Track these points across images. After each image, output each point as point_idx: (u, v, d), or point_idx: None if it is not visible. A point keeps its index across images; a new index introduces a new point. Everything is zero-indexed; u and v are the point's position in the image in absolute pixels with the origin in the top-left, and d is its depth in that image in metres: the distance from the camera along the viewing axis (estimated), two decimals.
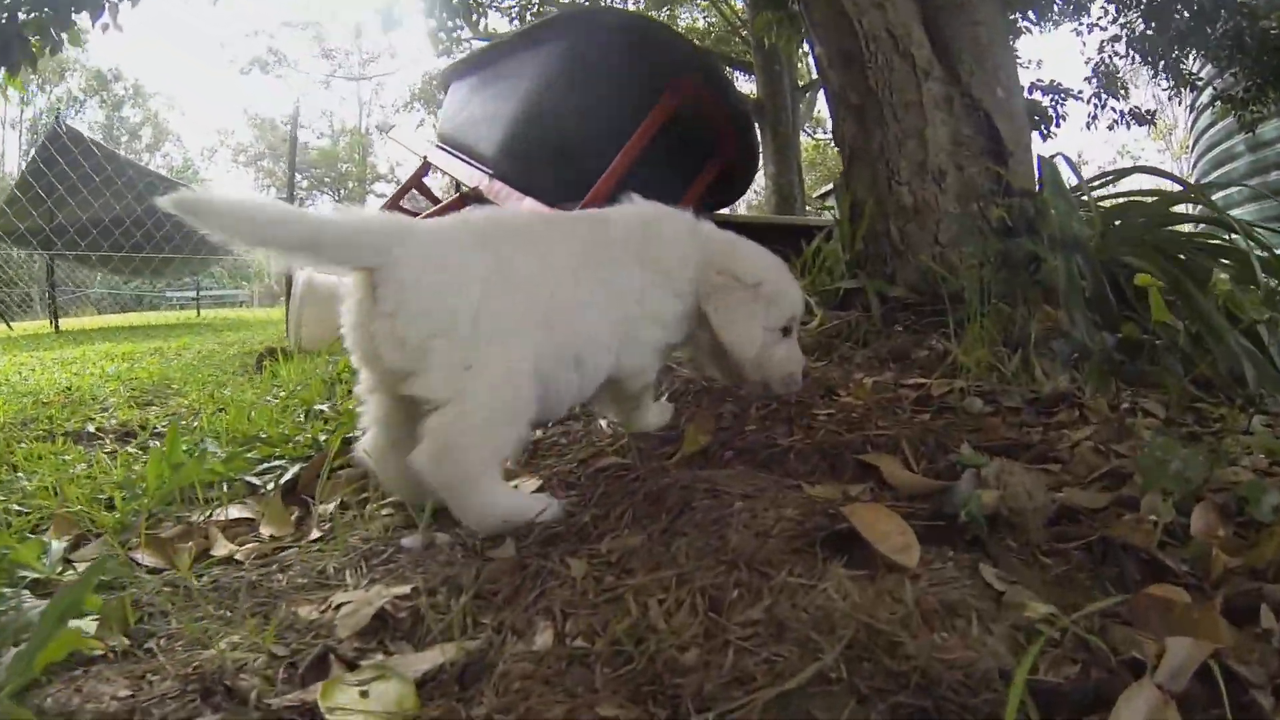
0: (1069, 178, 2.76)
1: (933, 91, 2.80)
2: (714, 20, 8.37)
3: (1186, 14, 5.62)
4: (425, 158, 4.87)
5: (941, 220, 2.68)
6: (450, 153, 4.67)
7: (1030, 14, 6.07)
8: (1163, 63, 5.80)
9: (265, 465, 2.10)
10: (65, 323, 11.19)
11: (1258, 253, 2.47)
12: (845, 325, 2.57)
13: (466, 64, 4.84)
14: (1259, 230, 2.65)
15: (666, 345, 1.76)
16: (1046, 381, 2.12)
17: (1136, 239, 2.69)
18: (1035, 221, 2.71)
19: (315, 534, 1.58)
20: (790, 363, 1.80)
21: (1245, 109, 5.64)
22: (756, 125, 7.82)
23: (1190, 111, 7.77)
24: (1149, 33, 5.52)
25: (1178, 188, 3.13)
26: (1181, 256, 2.56)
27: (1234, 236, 2.83)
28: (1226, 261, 2.70)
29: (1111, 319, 2.18)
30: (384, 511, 1.66)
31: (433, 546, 1.36)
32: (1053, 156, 2.70)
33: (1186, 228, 2.91)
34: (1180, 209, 2.98)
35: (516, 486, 1.69)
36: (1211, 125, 7.93)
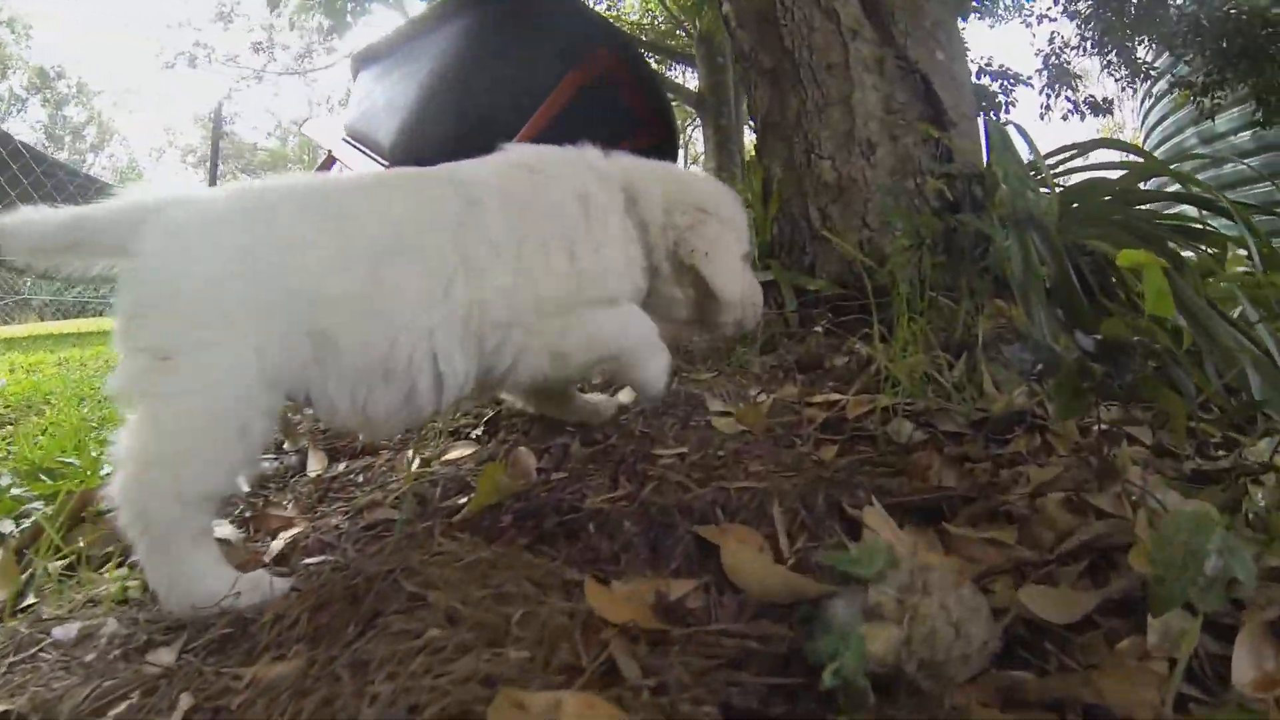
0: (1023, 150, 2.23)
1: (860, 52, 2.27)
2: (658, 16, 7.84)
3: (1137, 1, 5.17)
4: (330, 152, 4.28)
5: (871, 199, 2.14)
6: (354, 145, 4.09)
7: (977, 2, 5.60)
8: (1115, 52, 5.33)
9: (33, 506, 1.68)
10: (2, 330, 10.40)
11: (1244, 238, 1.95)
12: None
13: (373, 49, 4.27)
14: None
15: (601, 299, 1.34)
16: (998, 397, 1.58)
17: (1101, 219, 2.17)
18: (983, 199, 2.19)
19: (32, 599, 1.25)
20: (756, 291, 1.56)
21: (1205, 95, 5.17)
22: (700, 118, 7.31)
23: (1142, 103, 7.31)
24: (1108, 15, 5.04)
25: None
26: (1151, 240, 2.05)
27: (1218, 222, 2.34)
28: (1209, 249, 2.19)
29: (1079, 313, 1.64)
30: (118, 571, 1.28)
31: (90, 639, 1.04)
32: (1004, 124, 2.17)
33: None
34: (1142, 190, 2.48)
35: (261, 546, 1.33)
36: (1163, 119, 7.48)
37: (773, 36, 2.30)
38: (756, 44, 2.35)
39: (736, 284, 1.45)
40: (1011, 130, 2.06)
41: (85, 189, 5.76)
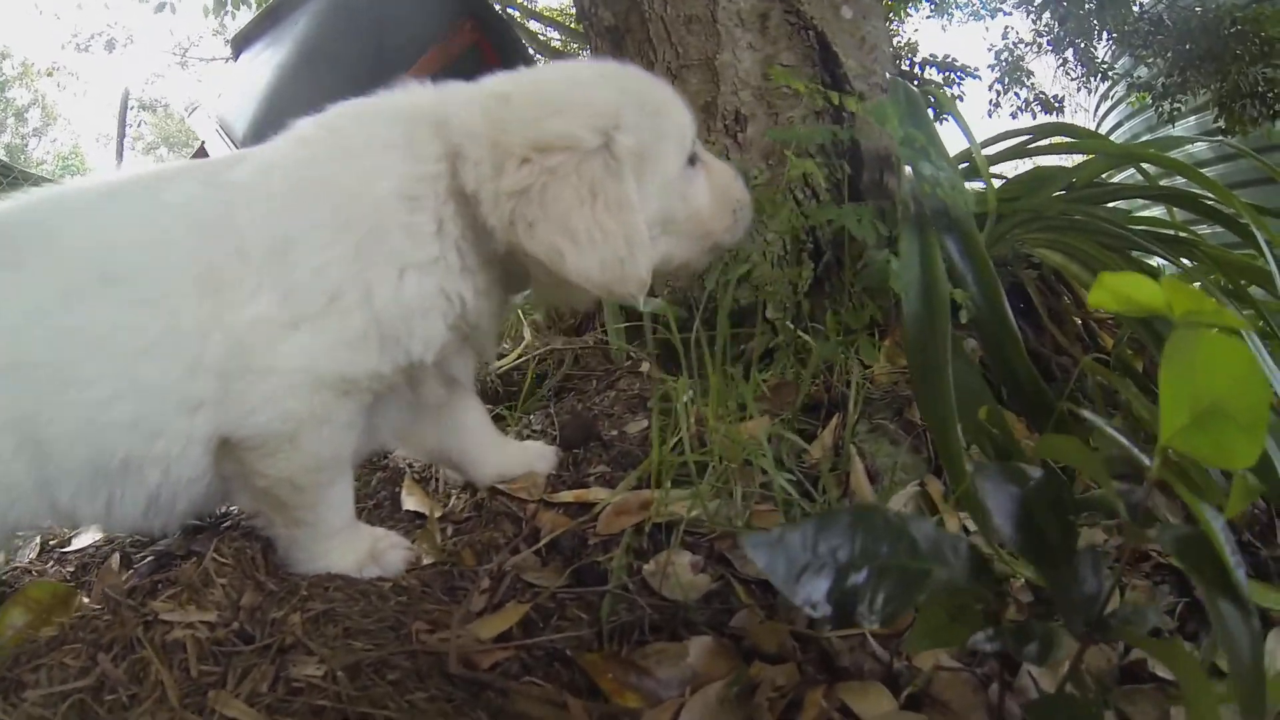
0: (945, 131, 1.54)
1: (736, 4, 1.58)
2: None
3: None
4: (203, 144, 3.59)
5: None
6: (222, 137, 3.41)
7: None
8: (1071, 49, 4.65)
9: None
10: None
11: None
12: (553, 362, 1.33)
13: (251, 27, 3.58)
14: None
15: (363, 376, 0.83)
16: (869, 501, 0.88)
17: (1052, 220, 1.48)
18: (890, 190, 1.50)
19: None
20: (728, 182, 0.99)
21: (1166, 99, 4.49)
22: None
23: (1097, 107, 6.61)
24: (1064, 5, 4.34)
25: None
26: (1118, 250, 1.37)
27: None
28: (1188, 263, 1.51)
29: (1016, 370, 0.95)
30: None
31: None
32: (919, 84, 1.48)
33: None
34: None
35: None
36: (1117, 126, 6.78)
37: None
38: None
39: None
40: (912, 91, 1.36)
41: (19, 184, 5.01)
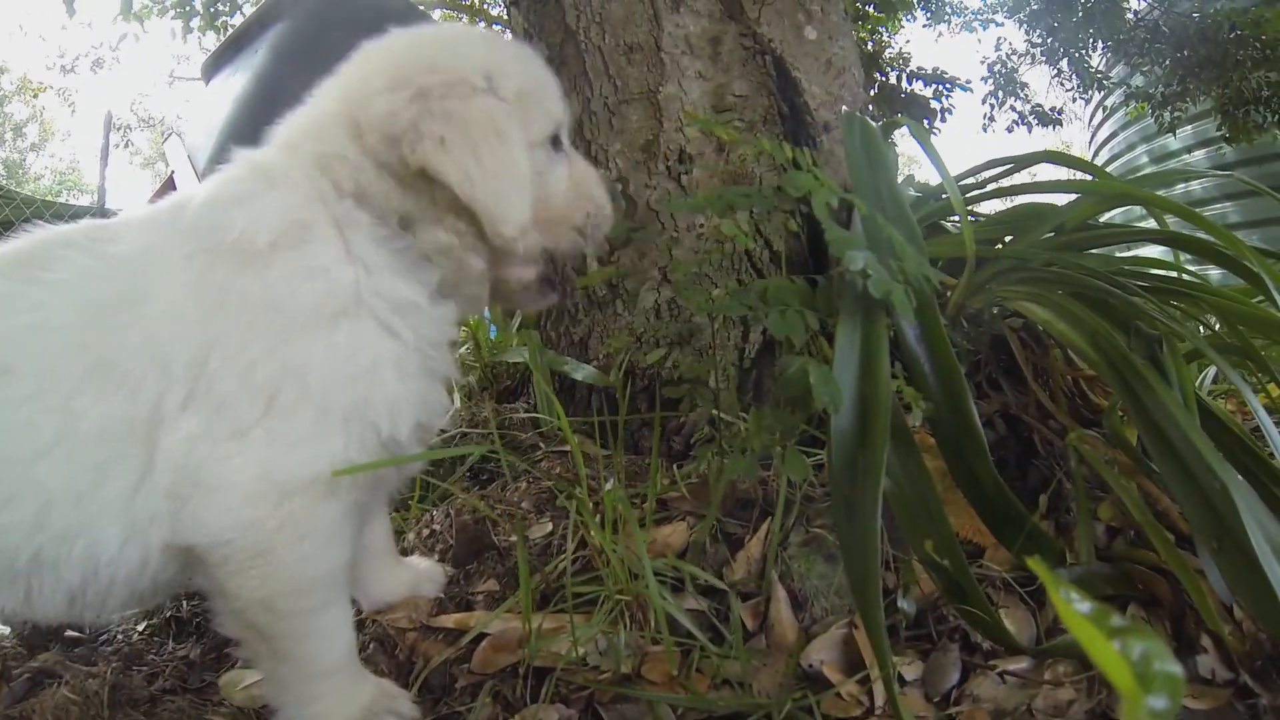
0: (913, 172, 1.35)
1: (684, 29, 1.40)
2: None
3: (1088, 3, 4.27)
4: (173, 174, 3.44)
5: (680, 241, 1.26)
6: (190, 165, 3.25)
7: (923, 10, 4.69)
8: (1065, 59, 4.42)
9: None
10: None
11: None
12: (475, 438, 1.14)
13: (220, 53, 3.41)
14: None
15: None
16: (787, 641, 0.69)
17: (1040, 272, 1.28)
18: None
19: None
20: (589, 183, 0.88)
21: (1165, 108, 4.25)
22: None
23: (1092, 118, 6.35)
24: (1055, 15, 4.12)
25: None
26: (1107, 307, 1.17)
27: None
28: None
29: (980, 479, 0.77)
30: None
31: None
32: (881, 121, 1.29)
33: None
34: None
35: None
36: (1112, 137, 6.50)
37: (554, 12, 1.43)
38: (535, 24, 1.48)
39: (505, 184, 0.74)
40: (874, 127, 1.17)
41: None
